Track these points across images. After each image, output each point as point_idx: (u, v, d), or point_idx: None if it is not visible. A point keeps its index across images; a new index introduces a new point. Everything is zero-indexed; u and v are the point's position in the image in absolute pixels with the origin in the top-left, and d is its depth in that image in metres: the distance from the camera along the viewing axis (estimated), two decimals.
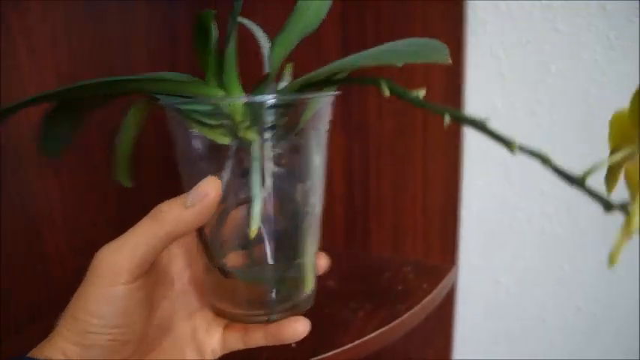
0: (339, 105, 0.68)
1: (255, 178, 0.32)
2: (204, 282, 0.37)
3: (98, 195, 0.63)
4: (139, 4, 0.66)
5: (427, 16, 0.61)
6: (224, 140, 0.32)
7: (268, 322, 0.36)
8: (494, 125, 0.28)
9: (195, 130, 0.32)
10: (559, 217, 0.64)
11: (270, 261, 0.34)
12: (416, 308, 0.58)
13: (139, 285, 0.31)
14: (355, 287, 0.63)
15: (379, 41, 0.33)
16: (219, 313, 0.36)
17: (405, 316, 0.56)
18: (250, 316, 0.35)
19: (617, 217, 0.62)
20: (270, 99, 0.31)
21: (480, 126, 0.28)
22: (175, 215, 0.31)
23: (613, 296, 0.65)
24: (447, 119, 0.28)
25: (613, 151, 0.27)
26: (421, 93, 0.29)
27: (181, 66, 0.72)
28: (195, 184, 0.31)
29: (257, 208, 0.31)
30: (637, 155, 0.26)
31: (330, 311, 0.59)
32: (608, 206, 0.26)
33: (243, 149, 0.32)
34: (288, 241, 0.35)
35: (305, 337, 0.53)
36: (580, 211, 0.63)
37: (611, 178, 0.28)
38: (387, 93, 0.29)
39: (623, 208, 0.26)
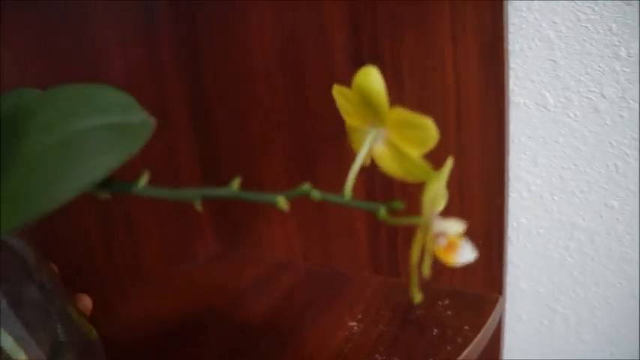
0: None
1: None
2: None
3: None
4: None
5: None
6: None
7: None
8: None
9: None
10: (632, 237, 0.52)
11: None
12: None
13: None
14: (381, 331, 0.52)
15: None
16: None
17: None
18: None
19: None
20: None
21: None
22: None
23: None
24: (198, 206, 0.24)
25: (350, 128, 0.29)
26: (144, 179, 0.24)
27: (166, 70, 0.62)
28: None
29: (8, 342, 0.28)
30: (378, 136, 0.27)
31: None
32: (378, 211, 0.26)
33: None
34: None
35: None
36: None
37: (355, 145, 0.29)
38: (106, 196, 0.25)
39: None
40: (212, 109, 0.64)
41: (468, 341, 0.49)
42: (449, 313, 0.54)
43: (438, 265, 0.57)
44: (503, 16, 0.48)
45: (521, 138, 0.53)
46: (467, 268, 0.57)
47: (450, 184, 0.54)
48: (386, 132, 0.26)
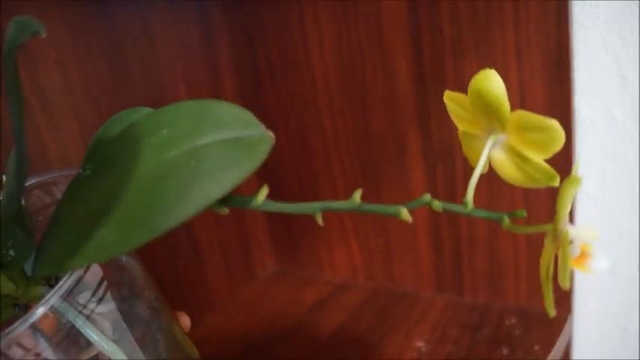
0: (419, 153, 0.56)
1: (94, 335, 0.28)
2: None
3: None
4: (166, 27, 0.56)
5: (520, 12, 0.48)
6: None
7: None
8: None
9: None
10: None
11: None
12: None
13: None
14: (449, 351, 0.52)
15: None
16: None
17: None
18: None
19: None
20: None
21: None
22: None
23: None
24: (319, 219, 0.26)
25: (462, 134, 0.28)
26: (263, 192, 0.25)
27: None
28: None
29: (119, 356, 0.28)
30: (497, 142, 0.26)
31: None
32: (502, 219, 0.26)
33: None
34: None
35: None
36: None
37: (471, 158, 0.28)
38: (225, 211, 0.25)
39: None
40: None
41: None
42: (517, 332, 0.53)
43: (503, 282, 0.56)
44: (569, 32, 0.48)
45: (589, 155, 0.53)
46: (532, 286, 0.56)
47: (516, 202, 0.54)
48: (506, 137, 0.25)
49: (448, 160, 0.55)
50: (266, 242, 0.71)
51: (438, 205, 0.25)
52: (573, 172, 0.24)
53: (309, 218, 0.72)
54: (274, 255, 0.72)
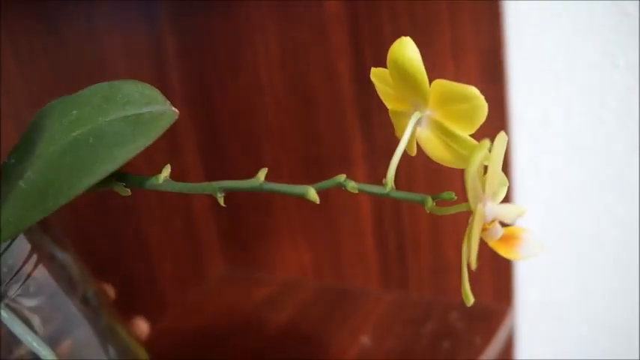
0: (361, 153, 0.57)
1: (19, 328, 0.26)
2: None
3: None
4: (113, 33, 0.56)
5: (456, 14, 0.50)
6: None
7: None
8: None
9: None
10: (635, 243, 0.53)
11: None
12: None
13: None
14: (392, 344, 0.53)
15: None
16: None
17: None
18: None
19: None
20: None
21: None
22: None
23: None
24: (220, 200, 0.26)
25: (394, 114, 0.26)
26: (165, 171, 0.25)
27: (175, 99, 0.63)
28: None
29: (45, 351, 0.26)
30: (422, 118, 0.24)
31: None
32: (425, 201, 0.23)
33: None
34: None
35: None
36: None
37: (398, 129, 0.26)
38: (128, 192, 0.25)
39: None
40: (222, 136, 0.65)
41: (478, 352, 0.50)
42: (460, 325, 0.54)
43: (447, 278, 0.58)
44: (502, 33, 0.49)
45: (525, 153, 0.54)
46: (475, 280, 0.58)
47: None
48: (430, 112, 0.23)
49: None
50: (215, 243, 0.71)
51: (353, 186, 0.24)
52: (500, 139, 0.21)
53: (259, 219, 0.72)
54: (224, 256, 0.72)
